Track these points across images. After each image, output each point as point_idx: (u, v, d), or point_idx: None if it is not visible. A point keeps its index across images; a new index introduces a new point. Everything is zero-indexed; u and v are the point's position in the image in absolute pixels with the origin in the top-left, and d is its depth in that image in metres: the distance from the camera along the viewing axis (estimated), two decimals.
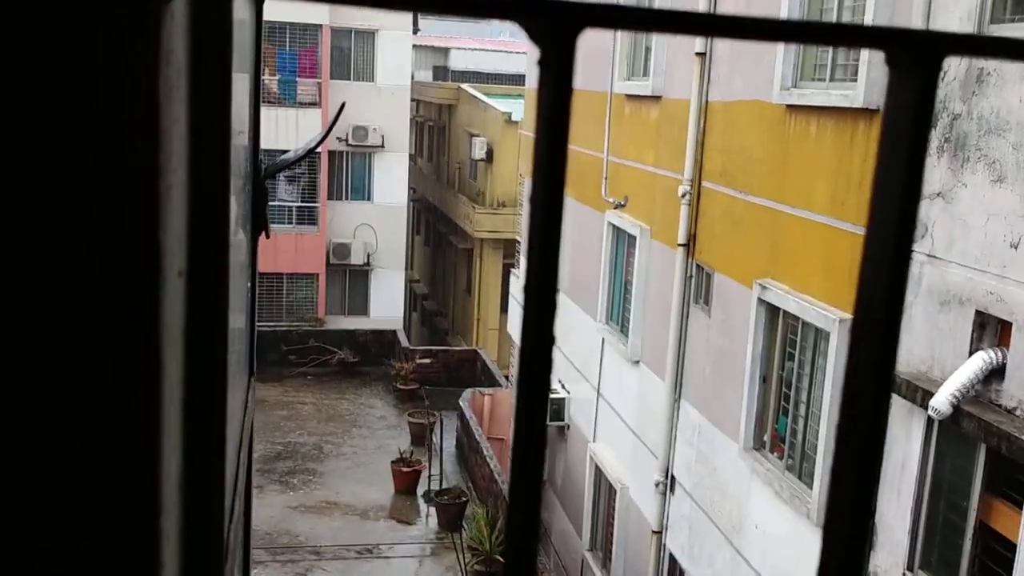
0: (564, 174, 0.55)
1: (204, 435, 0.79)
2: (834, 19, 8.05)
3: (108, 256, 0.49)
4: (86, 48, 0.48)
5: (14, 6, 0.47)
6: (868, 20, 7.29)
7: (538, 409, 0.59)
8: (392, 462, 18.12)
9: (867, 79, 7.27)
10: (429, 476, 17.78)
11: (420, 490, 17.95)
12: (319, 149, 25.51)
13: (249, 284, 1.59)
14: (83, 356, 0.50)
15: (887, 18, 7.13)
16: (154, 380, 0.53)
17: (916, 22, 6.75)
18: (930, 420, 6.45)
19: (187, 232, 0.69)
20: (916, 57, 0.56)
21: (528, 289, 0.55)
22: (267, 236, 1.67)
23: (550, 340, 0.55)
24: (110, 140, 0.49)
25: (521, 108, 17.63)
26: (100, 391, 0.53)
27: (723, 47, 9.93)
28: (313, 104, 25.70)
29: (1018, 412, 5.82)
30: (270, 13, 27.25)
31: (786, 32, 0.55)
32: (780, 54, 8.53)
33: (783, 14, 8.47)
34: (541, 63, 0.53)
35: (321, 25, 25.54)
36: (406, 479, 17.88)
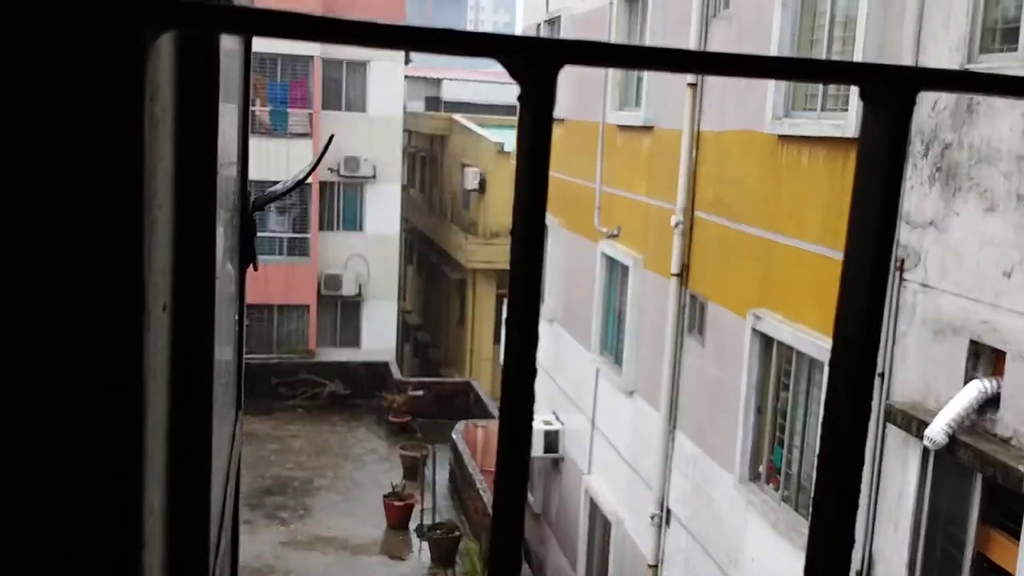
0: (544, 206, 0.56)
1: (189, 469, 0.79)
2: (824, 49, 8.14)
3: (91, 290, 0.49)
4: (71, 84, 0.48)
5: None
6: (858, 49, 7.37)
7: (521, 441, 0.59)
8: (384, 496, 17.99)
9: (858, 109, 7.33)
10: (422, 510, 17.64)
11: (413, 524, 17.80)
12: (310, 180, 25.58)
13: (237, 317, 1.60)
14: (65, 389, 0.50)
15: (876, 47, 7.21)
16: (136, 414, 0.53)
17: (906, 52, 6.82)
18: (926, 450, 6.44)
19: (172, 266, 0.69)
20: (890, 92, 0.56)
21: (510, 321, 0.55)
22: (255, 268, 1.67)
23: (531, 371, 0.55)
24: (93, 175, 0.49)
25: (514, 138, 17.69)
26: (82, 424, 0.53)
27: (715, 78, 10.02)
28: (304, 135, 25.79)
29: (1014, 442, 5.81)
30: (261, 45, 27.46)
31: (761, 68, 0.56)
32: (771, 84, 8.61)
33: (773, 44, 8.56)
34: (521, 99, 0.54)
35: (312, 56, 25.68)
36: (398, 513, 17.74)
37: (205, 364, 0.77)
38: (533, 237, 0.55)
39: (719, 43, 9.89)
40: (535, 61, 0.52)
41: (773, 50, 8.58)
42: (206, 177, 0.71)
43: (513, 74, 0.54)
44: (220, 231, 1.41)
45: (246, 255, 1.57)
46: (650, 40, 11.45)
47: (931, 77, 0.58)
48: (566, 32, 14.62)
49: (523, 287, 0.56)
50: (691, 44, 10.20)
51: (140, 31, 0.48)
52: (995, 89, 0.60)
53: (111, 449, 0.53)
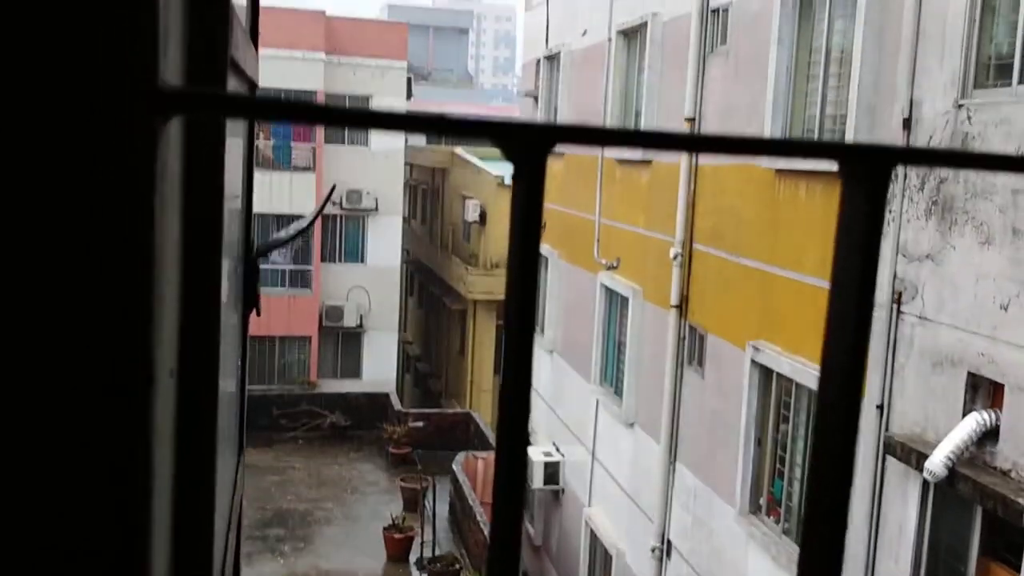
0: (536, 276, 0.58)
1: (192, 533, 0.80)
2: (820, 84, 8.21)
3: (100, 367, 0.51)
4: (81, 171, 0.51)
5: (16, 121, 0.50)
6: (853, 84, 7.44)
7: (518, 472, 0.61)
8: (384, 528, 17.89)
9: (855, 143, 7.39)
10: (422, 542, 17.53)
11: (413, 557, 17.68)
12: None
13: (239, 362, 1.62)
14: (70, 465, 0.52)
15: (871, 82, 7.28)
16: (143, 487, 0.55)
17: (901, 87, 6.89)
18: (926, 483, 6.43)
19: (178, 332, 0.72)
20: (867, 168, 0.59)
21: (503, 393, 0.57)
22: (258, 314, 1.70)
23: (524, 442, 0.57)
24: (105, 254, 0.51)
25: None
26: (87, 496, 0.54)
27: (712, 112, 10.10)
28: (307, 168, 25.93)
29: (1013, 474, 5.81)
30: (265, 79, 27.55)
31: (747, 147, 0.59)
32: (768, 118, 8.68)
33: (770, 79, 8.65)
34: (515, 177, 0.57)
35: (316, 91, 25.88)
36: (398, 546, 17.63)
37: (208, 425, 0.79)
38: (525, 305, 0.58)
39: (716, 78, 9.98)
40: (526, 143, 0.55)
41: (770, 84, 8.66)
42: (211, 246, 0.73)
43: (506, 154, 0.57)
44: (224, 281, 1.43)
45: (249, 301, 1.60)
46: (648, 75, 11.55)
47: (907, 154, 0.60)
48: (565, 66, 14.75)
49: (516, 356, 0.58)
50: (689, 80, 10.30)
51: (151, 118, 0.51)
52: (969, 164, 0.62)
53: (117, 521, 0.55)
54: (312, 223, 2.48)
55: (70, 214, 0.50)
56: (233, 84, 1.08)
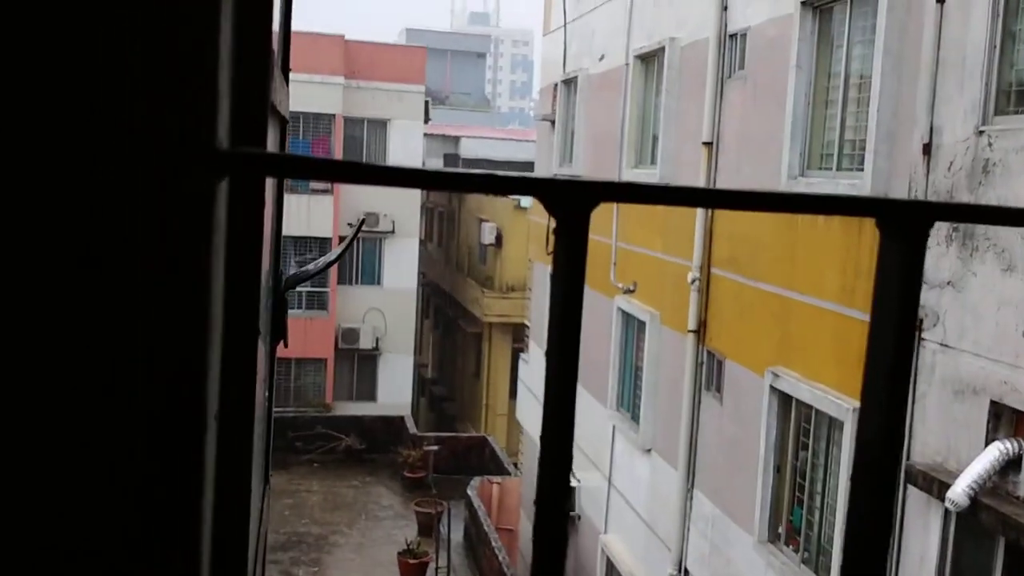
0: (579, 328, 0.59)
1: (227, 569, 0.81)
2: (839, 109, 8.20)
3: (158, 405, 0.53)
4: (143, 229, 0.52)
5: (90, 183, 0.52)
6: (872, 111, 7.43)
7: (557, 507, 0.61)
8: (398, 553, 17.82)
9: (873, 168, 7.38)
10: (436, 568, 17.45)
11: None
12: (330, 234, 25.80)
13: (267, 393, 1.63)
14: (129, 503, 0.53)
15: (891, 109, 7.27)
16: (196, 533, 0.56)
17: (920, 114, 6.88)
18: (947, 512, 6.36)
19: (220, 377, 0.73)
20: (904, 224, 0.60)
21: (544, 442, 0.58)
22: (286, 345, 1.71)
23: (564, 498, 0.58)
24: (166, 309, 0.53)
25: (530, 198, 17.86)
26: (142, 539, 0.55)
27: (730, 137, 10.11)
28: (325, 191, 26.08)
29: None
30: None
31: (782, 203, 0.60)
32: (787, 142, 8.68)
33: (788, 105, 8.65)
34: (558, 232, 0.58)
35: (334, 115, 26.09)
36: (413, 571, 17.55)
37: (244, 467, 0.80)
38: (567, 361, 0.58)
39: (734, 103, 10.00)
40: (570, 199, 0.56)
41: (788, 110, 8.67)
42: (251, 292, 0.75)
43: (550, 211, 0.58)
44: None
45: (277, 333, 1.61)
46: (665, 100, 11.58)
47: (945, 210, 0.61)
48: (582, 90, 14.82)
49: (557, 406, 0.59)
50: (706, 104, 10.32)
51: (209, 179, 0.52)
52: (1002, 220, 0.63)
53: (172, 566, 0.56)
54: (341, 256, 2.51)
55: (134, 275, 0.51)
56: (270, 127, 1.10)
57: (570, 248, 0.55)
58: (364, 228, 26.70)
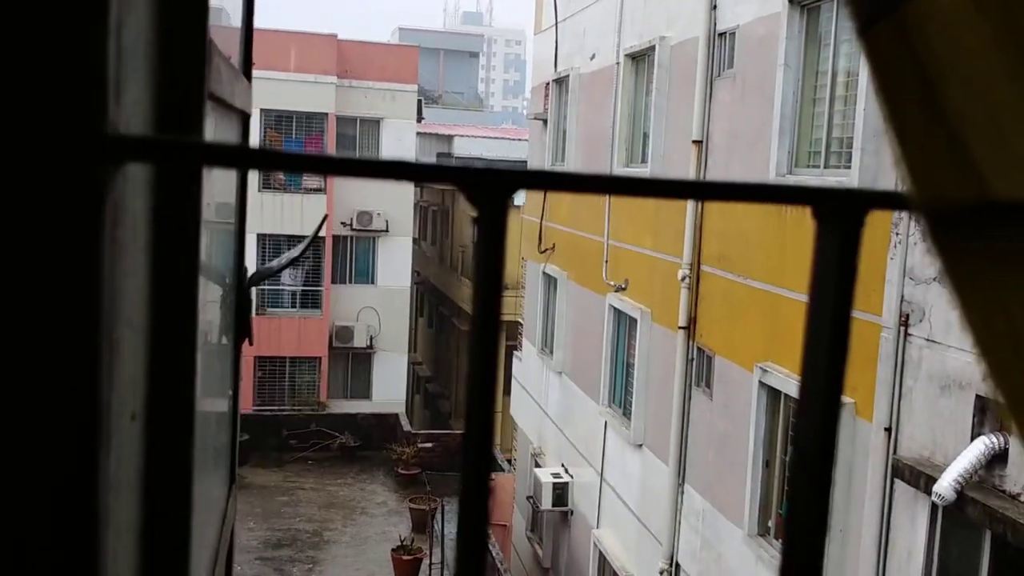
0: (499, 320, 0.57)
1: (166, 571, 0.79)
2: (826, 107, 8.20)
3: (41, 420, 0.51)
4: (28, 219, 0.50)
5: None
6: (859, 109, 7.43)
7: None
8: (392, 550, 17.82)
9: (861, 165, 7.38)
10: (430, 564, 17.45)
11: None
12: (323, 233, 25.75)
13: (231, 392, 1.61)
14: (19, 498, 0.51)
15: (878, 109, 7.26)
16: (92, 529, 0.54)
17: None
18: (934, 506, 6.37)
19: (147, 375, 0.71)
20: (840, 212, 0.58)
21: (465, 443, 0.56)
22: (250, 343, 1.69)
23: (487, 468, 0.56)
24: (50, 300, 0.51)
25: (523, 193, 17.87)
26: (33, 536, 0.53)
27: (719, 135, 10.11)
28: (318, 190, 26.03)
29: (1022, 498, 5.74)
30: (276, 102, 27.63)
31: (717, 192, 0.58)
32: (775, 140, 8.68)
33: (776, 103, 8.65)
34: (476, 222, 0.56)
35: (327, 113, 26.04)
36: (407, 568, 17.56)
37: (184, 465, 0.78)
38: (487, 351, 0.57)
39: (723, 102, 9.99)
40: (488, 188, 0.55)
41: (776, 108, 8.66)
42: (186, 288, 0.72)
43: (470, 199, 0.56)
44: (216, 309, 1.43)
45: (241, 331, 1.59)
46: (655, 99, 11.57)
47: (880, 198, 0.59)
48: (574, 90, 14.80)
49: (479, 393, 0.57)
50: (696, 103, 10.31)
51: (97, 166, 0.50)
52: None
53: (67, 562, 0.54)
54: (304, 252, 2.49)
55: (14, 261, 0.49)
56: (217, 119, 1.08)
57: (490, 236, 0.53)
58: (358, 227, 26.67)
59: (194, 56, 0.76)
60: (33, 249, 0.48)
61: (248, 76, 1.63)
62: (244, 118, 1.59)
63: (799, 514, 0.63)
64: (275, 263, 2.12)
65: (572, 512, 14.47)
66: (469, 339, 0.59)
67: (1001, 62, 0.45)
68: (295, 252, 2.37)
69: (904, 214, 6.57)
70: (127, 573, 0.64)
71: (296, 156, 0.53)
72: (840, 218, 0.59)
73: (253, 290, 1.78)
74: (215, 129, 1.09)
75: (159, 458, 0.69)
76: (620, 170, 12.71)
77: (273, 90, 24.30)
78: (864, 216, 0.59)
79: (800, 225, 8.46)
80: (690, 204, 10.43)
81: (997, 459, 5.92)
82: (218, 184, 1.43)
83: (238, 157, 0.51)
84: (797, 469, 0.63)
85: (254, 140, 25.77)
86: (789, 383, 8.41)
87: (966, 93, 0.47)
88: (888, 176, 7.14)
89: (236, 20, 1.72)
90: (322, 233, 25.73)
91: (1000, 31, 0.44)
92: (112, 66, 0.48)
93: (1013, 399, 0.55)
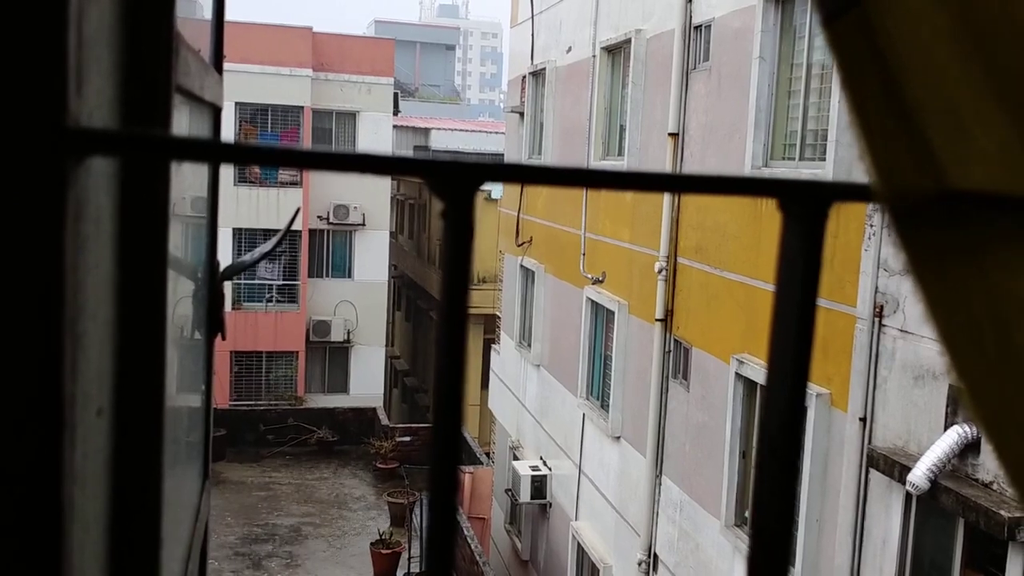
0: (466, 315, 0.58)
1: (135, 568, 0.79)
2: (801, 99, 8.25)
3: (5, 408, 0.50)
4: None
5: None
6: (834, 101, 7.48)
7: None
8: (371, 544, 17.80)
9: (835, 158, 7.43)
10: (409, 558, 17.45)
11: (400, 572, 17.60)
12: (299, 227, 25.64)
13: (204, 387, 1.60)
14: None
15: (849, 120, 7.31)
16: (56, 520, 0.54)
17: None
18: (909, 496, 6.44)
19: (113, 370, 0.70)
20: (805, 204, 0.59)
21: (435, 431, 0.56)
22: (223, 338, 1.68)
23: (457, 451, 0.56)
24: (6, 293, 0.50)
25: (500, 187, 17.87)
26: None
27: (695, 128, 10.14)
28: (294, 184, 25.90)
29: (995, 486, 5.82)
30: (252, 95, 27.44)
31: (684, 184, 0.58)
32: (751, 132, 8.72)
33: (752, 96, 8.69)
34: (443, 215, 0.56)
35: (303, 107, 25.90)
36: (385, 561, 17.54)
37: (153, 459, 0.77)
38: (455, 344, 0.57)
39: (699, 95, 10.03)
40: (454, 180, 0.55)
41: (752, 101, 8.70)
42: (153, 282, 0.72)
43: (436, 192, 0.56)
44: (187, 300, 1.42)
45: (214, 325, 1.58)
46: (632, 91, 11.59)
47: (844, 190, 0.60)
48: (550, 82, 14.80)
49: (447, 386, 0.57)
50: (672, 96, 10.34)
51: (57, 160, 0.50)
52: None
53: (31, 554, 0.54)
54: (276, 246, 2.48)
55: None
56: (186, 112, 1.07)
57: (456, 228, 0.53)
58: (334, 221, 26.56)
59: (161, 48, 0.75)
60: None
61: (219, 69, 1.62)
62: (215, 112, 1.58)
63: (765, 497, 0.63)
64: (248, 257, 2.11)
65: (551, 504, 14.51)
66: (437, 331, 0.59)
67: (957, 54, 0.46)
68: (268, 246, 2.36)
69: (878, 207, 6.63)
70: (95, 566, 0.64)
71: (263, 149, 0.52)
72: (805, 210, 0.59)
73: (226, 284, 1.77)
74: (184, 123, 1.08)
75: (127, 453, 0.68)
76: (597, 163, 12.73)
77: (248, 83, 24.14)
78: (828, 208, 0.59)
79: (775, 218, 8.48)
80: (667, 197, 10.47)
81: (970, 448, 5.99)
82: (189, 177, 1.42)
83: (205, 151, 0.51)
84: (764, 453, 0.63)
85: (229, 134, 25.57)
86: (765, 374, 8.46)
87: (925, 85, 0.48)
88: (862, 168, 7.19)
89: (207, 12, 1.70)
90: (298, 227, 25.61)
91: (956, 24, 0.45)
92: (72, 56, 0.48)
93: (974, 391, 0.56)
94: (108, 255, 0.66)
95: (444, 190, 0.55)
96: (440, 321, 0.57)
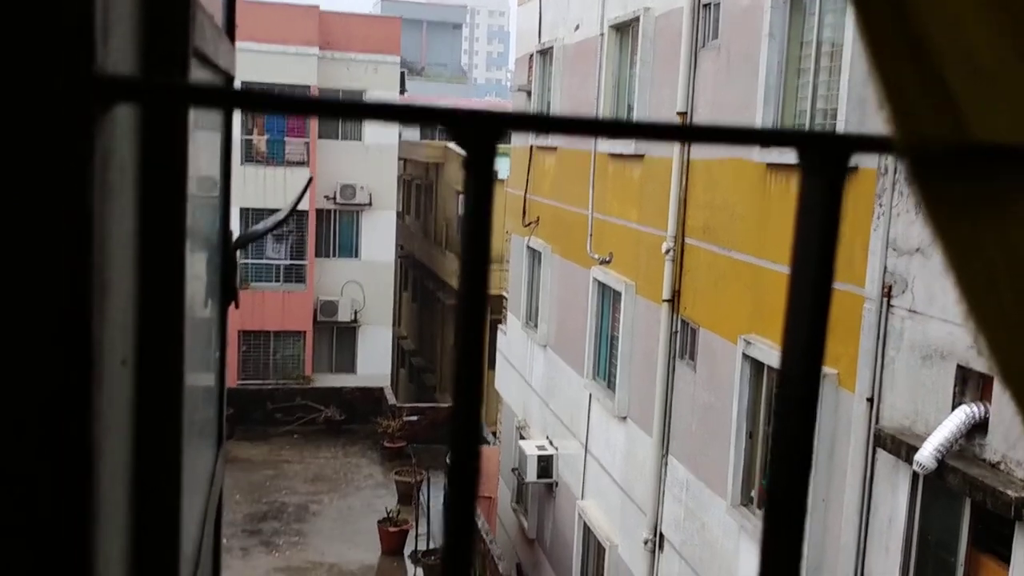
0: (488, 262, 0.58)
1: (156, 521, 0.80)
2: (811, 77, 8.20)
3: (35, 356, 0.51)
4: (17, 159, 0.50)
5: None
6: (844, 79, 7.44)
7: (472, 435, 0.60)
8: (379, 522, 17.91)
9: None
10: (416, 536, 17.56)
11: (407, 550, 17.71)
12: (306, 207, 25.65)
13: (218, 353, 1.61)
14: (9, 452, 0.52)
15: (861, 76, 7.28)
16: (85, 467, 0.55)
17: None
18: (915, 475, 6.45)
19: (136, 321, 0.71)
20: (825, 157, 0.59)
21: (456, 380, 0.57)
22: (236, 306, 1.69)
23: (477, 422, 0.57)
24: (36, 245, 0.51)
25: (507, 166, 17.83)
26: (28, 478, 0.54)
27: (704, 106, 10.10)
28: (301, 163, 25.88)
29: (1002, 466, 5.82)
30: (258, 74, 27.37)
31: (704, 135, 0.58)
32: (760, 111, 8.68)
33: (761, 73, 8.64)
34: (466, 165, 0.56)
35: (309, 86, 25.83)
36: (393, 539, 17.66)
37: (174, 416, 0.78)
38: (476, 295, 0.57)
39: (708, 73, 9.98)
40: (477, 129, 0.55)
41: (761, 79, 8.66)
42: (173, 236, 0.73)
43: (459, 142, 0.56)
44: (201, 267, 1.43)
45: (227, 293, 1.59)
46: (640, 69, 11.54)
47: (864, 142, 0.60)
48: (557, 61, 14.73)
49: (465, 343, 0.58)
50: (680, 74, 10.29)
51: (87, 105, 0.50)
52: None
53: (59, 512, 0.54)
54: (289, 215, 2.49)
55: (8, 198, 0.49)
56: (202, 76, 1.07)
57: (478, 177, 0.54)
58: (341, 201, 26.55)
59: (179, 8, 0.76)
60: (26, 187, 0.48)
61: (231, 38, 1.62)
62: (228, 80, 1.58)
63: (783, 456, 0.64)
64: (260, 226, 2.13)
65: (557, 484, 14.57)
66: (459, 277, 0.59)
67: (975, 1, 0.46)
68: (280, 215, 2.37)
69: (887, 186, 6.59)
70: (119, 508, 0.65)
71: (280, 97, 0.53)
72: (825, 161, 0.59)
73: (238, 256, 1.78)
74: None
75: (149, 403, 0.69)
76: (604, 143, 12.69)
77: (254, 62, 24.08)
78: (848, 159, 0.59)
79: (783, 198, 8.49)
80: (675, 177, 10.44)
81: (977, 428, 5.99)
82: (204, 155, 1.43)
83: (223, 97, 0.52)
84: (781, 403, 0.63)
85: (235, 114, 25.49)
86: (772, 355, 8.46)
87: (944, 30, 0.48)
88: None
89: None
90: (305, 207, 25.62)
91: None
92: (100, 10, 0.48)
93: (990, 339, 0.56)
94: (131, 208, 0.66)
95: (467, 139, 0.55)
96: (462, 269, 0.57)
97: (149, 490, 0.76)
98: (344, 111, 0.55)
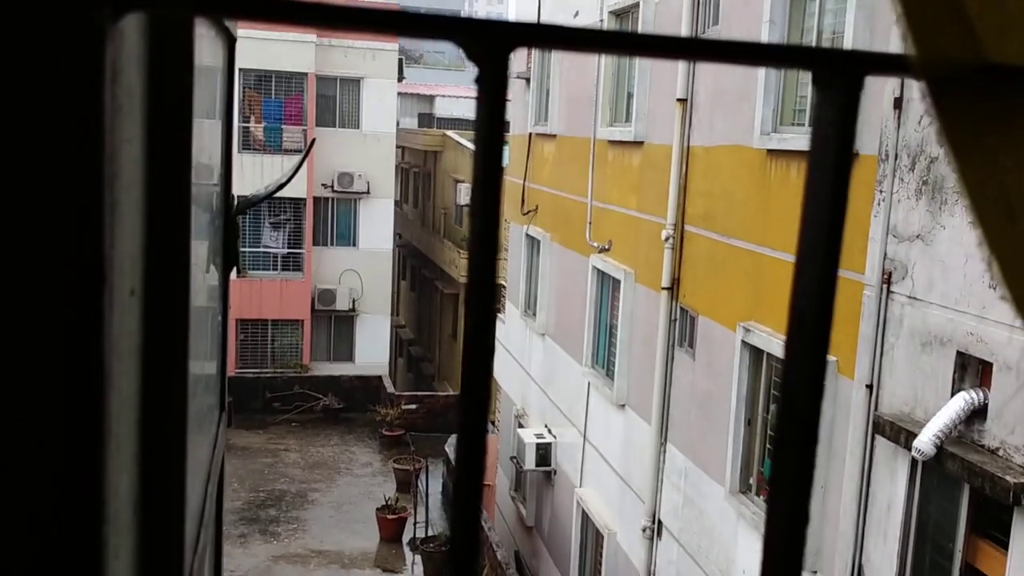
0: (501, 187, 0.57)
1: (163, 455, 0.79)
2: (809, 84, 8.17)
3: (48, 268, 0.50)
4: (26, 65, 0.50)
5: None
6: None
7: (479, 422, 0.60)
8: (377, 509, 17.94)
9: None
10: (415, 523, 17.60)
11: (406, 538, 17.75)
12: (304, 195, 25.60)
13: (220, 318, 1.61)
14: (21, 366, 0.51)
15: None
16: (97, 393, 0.54)
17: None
18: (914, 461, 6.46)
19: (144, 253, 0.70)
20: (839, 75, 0.58)
21: (468, 303, 0.56)
22: (239, 273, 1.68)
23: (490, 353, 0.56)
24: (48, 155, 0.50)
25: (506, 155, 17.81)
26: (39, 403, 0.53)
27: (704, 93, 10.08)
28: (299, 151, 25.81)
29: (1000, 452, 5.83)
30: (256, 61, 27.28)
31: (714, 51, 0.58)
32: (760, 99, 8.66)
33: (760, 80, 8.60)
34: (478, 80, 0.55)
35: (307, 73, 25.76)
36: (391, 527, 17.69)
37: (180, 351, 0.78)
38: (490, 215, 0.57)
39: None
40: (489, 41, 0.54)
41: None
42: (179, 164, 0.72)
43: (470, 55, 0.55)
44: (203, 231, 1.42)
45: (230, 258, 1.58)
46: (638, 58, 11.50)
47: (880, 60, 0.59)
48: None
49: (479, 263, 0.57)
50: (680, 60, 10.25)
51: (97, 11, 0.50)
52: None
53: (71, 431, 0.54)
54: (290, 179, 2.47)
55: (10, 109, 0.48)
56: (205, 35, 1.07)
57: (490, 91, 0.53)
58: (339, 189, 26.50)
59: None
60: (38, 96, 0.48)
61: None
62: (231, 42, 1.57)
63: (788, 423, 0.63)
64: (262, 190, 2.12)
65: (555, 472, 14.59)
66: (471, 200, 0.58)
67: None
68: (282, 179, 2.36)
69: (887, 173, 6.56)
70: (130, 438, 0.65)
71: (287, 4, 0.52)
72: (840, 79, 0.59)
73: (240, 220, 1.78)
74: (202, 47, 1.07)
75: (156, 332, 0.69)
76: (604, 130, 12.67)
77: (252, 49, 23.99)
78: (863, 78, 0.59)
79: (784, 185, 8.48)
80: (674, 164, 10.42)
81: (976, 414, 5.99)
82: (206, 137, 1.42)
83: (233, 5, 0.51)
84: (794, 330, 0.63)
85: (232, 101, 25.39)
86: (772, 342, 8.47)
87: None
88: (872, 133, 7.15)
89: None
90: (302, 195, 25.58)
91: None
92: None
93: (1005, 263, 0.56)
94: (138, 131, 0.65)
95: (479, 52, 0.54)
96: (474, 188, 0.57)
97: (155, 425, 0.76)
98: (348, 21, 0.54)
